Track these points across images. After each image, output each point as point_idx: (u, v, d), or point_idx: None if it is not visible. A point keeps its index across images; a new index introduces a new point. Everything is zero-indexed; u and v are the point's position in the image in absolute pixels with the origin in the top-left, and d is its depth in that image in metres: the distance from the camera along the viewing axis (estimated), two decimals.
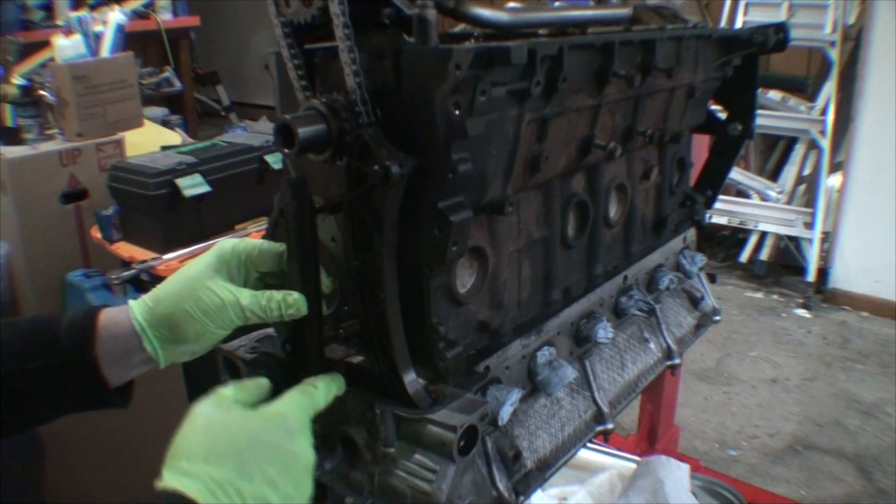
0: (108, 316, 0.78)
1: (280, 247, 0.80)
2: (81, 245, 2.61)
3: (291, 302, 0.75)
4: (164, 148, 2.45)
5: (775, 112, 3.90)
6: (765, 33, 1.17)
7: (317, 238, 0.76)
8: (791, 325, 3.64)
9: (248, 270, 0.80)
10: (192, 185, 2.11)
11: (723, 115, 1.29)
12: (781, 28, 1.17)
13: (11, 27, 3.59)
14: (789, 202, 3.96)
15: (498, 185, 0.81)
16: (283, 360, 0.82)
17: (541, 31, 0.92)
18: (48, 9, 4.09)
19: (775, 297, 3.93)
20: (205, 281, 0.76)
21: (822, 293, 3.88)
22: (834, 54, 3.66)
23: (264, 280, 0.81)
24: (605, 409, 1.03)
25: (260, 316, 0.75)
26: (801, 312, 3.75)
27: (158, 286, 0.78)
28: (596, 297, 1.06)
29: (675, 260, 1.30)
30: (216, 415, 0.67)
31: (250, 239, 0.81)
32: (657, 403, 2.03)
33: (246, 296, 0.75)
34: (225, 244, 0.80)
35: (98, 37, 2.72)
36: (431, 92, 0.67)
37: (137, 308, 0.77)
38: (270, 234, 0.84)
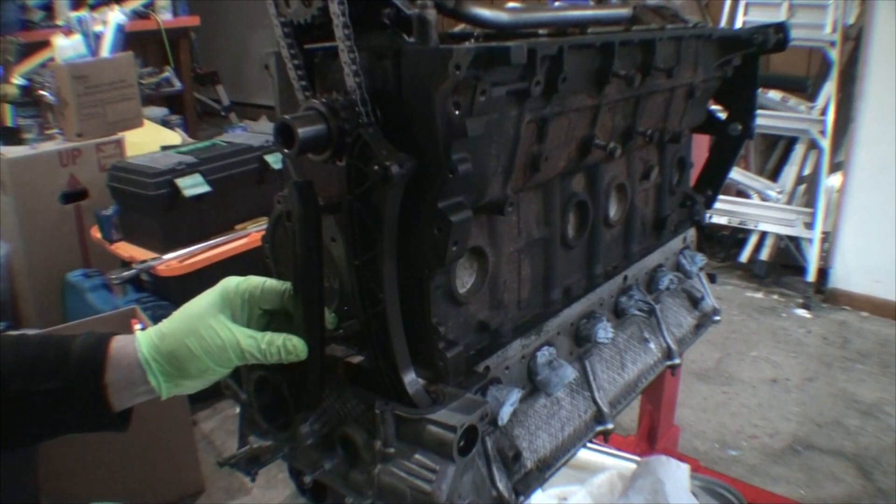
0: (119, 345, 0.79)
1: (283, 285, 0.80)
2: (81, 245, 2.61)
3: (291, 348, 0.76)
4: (164, 148, 2.45)
5: (775, 112, 3.89)
6: (765, 33, 1.17)
7: (322, 242, 0.76)
8: (791, 325, 3.63)
9: (251, 308, 0.81)
10: (192, 185, 2.11)
11: (723, 115, 1.29)
12: (781, 28, 1.17)
13: (11, 27, 3.58)
14: (789, 202, 3.95)
15: (498, 185, 0.81)
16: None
17: (541, 31, 0.92)
18: (48, 9, 4.08)
19: (775, 297, 3.92)
20: (208, 319, 0.76)
21: (822, 293, 3.87)
22: (834, 54, 3.66)
23: (268, 317, 0.82)
24: (605, 409, 1.03)
25: (258, 359, 0.76)
26: (801, 312, 3.75)
27: (164, 321, 0.79)
28: (596, 297, 1.06)
29: (675, 260, 1.30)
30: None
31: (254, 277, 0.82)
32: (657, 403, 2.03)
33: (245, 338, 0.76)
34: (230, 282, 0.81)
35: (98, 37, 2.73)
36: (431, 92, 0.67)
37: (144, 342, 0.78)
38: (270, 235, 0.83)
